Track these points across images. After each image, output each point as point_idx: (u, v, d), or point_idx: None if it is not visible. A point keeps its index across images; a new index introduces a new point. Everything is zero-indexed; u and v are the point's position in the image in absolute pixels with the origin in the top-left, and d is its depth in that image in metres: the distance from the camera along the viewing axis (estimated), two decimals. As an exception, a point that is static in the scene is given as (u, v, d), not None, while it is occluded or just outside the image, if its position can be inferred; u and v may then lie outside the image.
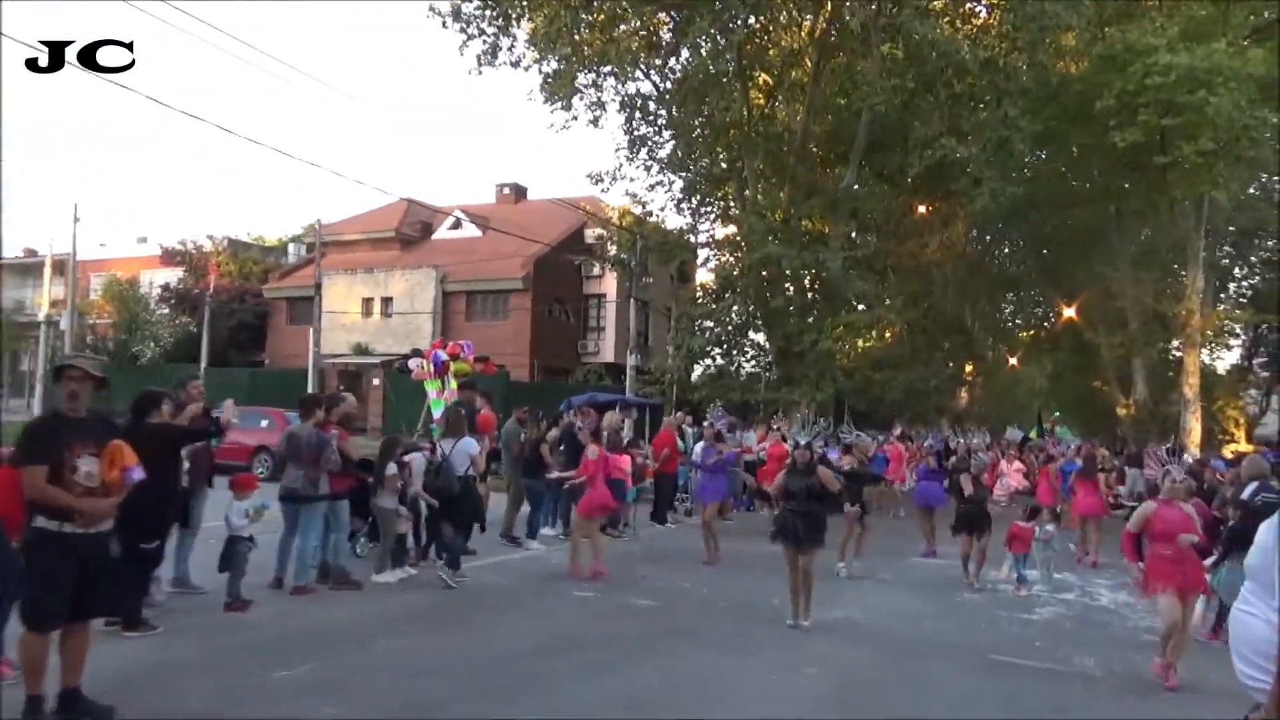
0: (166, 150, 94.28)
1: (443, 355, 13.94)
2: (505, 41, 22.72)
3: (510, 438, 11.90)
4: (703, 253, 28.08)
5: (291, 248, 45.45)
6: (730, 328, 25.35)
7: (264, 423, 18.90)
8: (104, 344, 35.43)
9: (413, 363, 13.44)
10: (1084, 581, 11.84)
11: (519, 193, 43.52)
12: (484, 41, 22.53)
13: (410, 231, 40.23)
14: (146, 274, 41.53)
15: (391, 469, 9.13)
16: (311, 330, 27.68)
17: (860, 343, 39.67)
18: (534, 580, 9.74)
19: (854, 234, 25.08)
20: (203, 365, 30.86)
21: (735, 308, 24.44)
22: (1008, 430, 27.19)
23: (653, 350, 35.60)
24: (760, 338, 26.13)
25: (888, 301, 26.62)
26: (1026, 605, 9.94)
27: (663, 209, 26.20)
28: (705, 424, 11.67)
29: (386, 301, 36.20)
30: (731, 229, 26.21)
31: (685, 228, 27.16)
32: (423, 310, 35.37)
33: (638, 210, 27.17)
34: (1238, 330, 38.05)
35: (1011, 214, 31.45)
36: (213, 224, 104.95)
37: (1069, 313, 35.53)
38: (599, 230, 29.60)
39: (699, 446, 11.84)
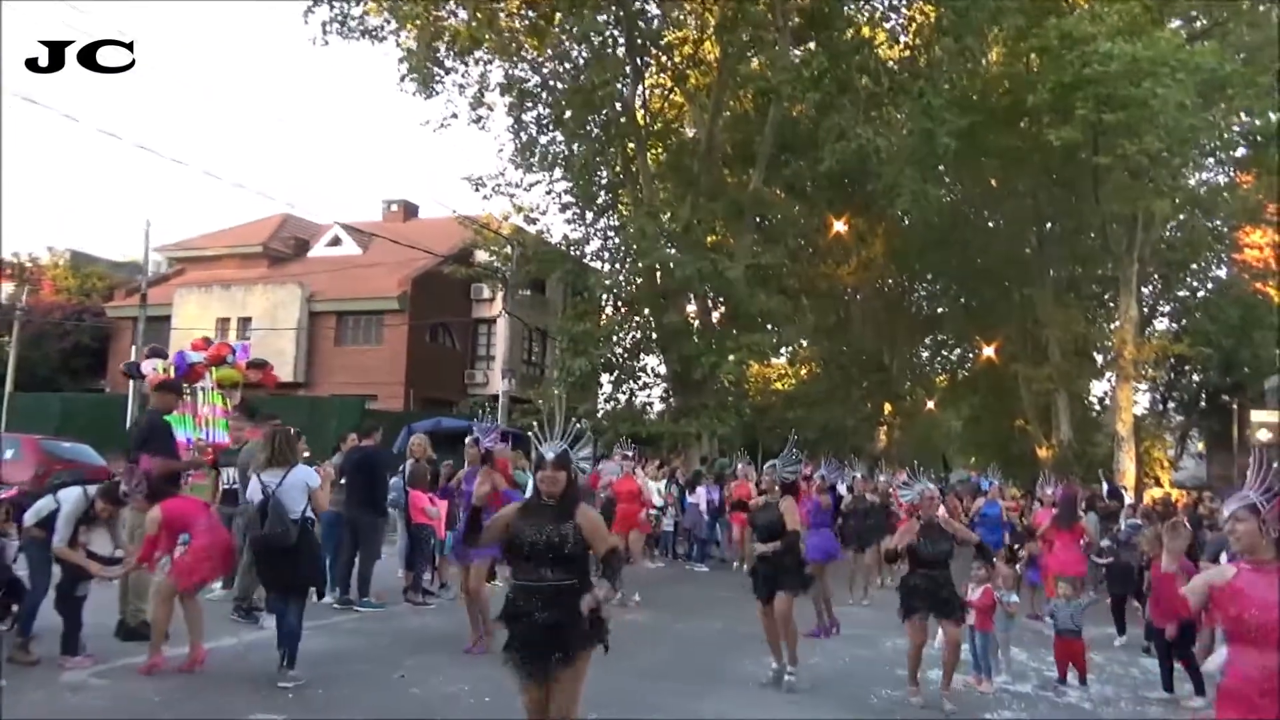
0: (46, 157, 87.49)
1: (193, 357, 10.33)
2: (356, 8, 19.40)
3: (249, 464, 8.29)
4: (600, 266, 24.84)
5: (151, 263, 40.81)
6: (621, 350, 22.16)
7: (8, 453, 14.84)
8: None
9: (146, 364, 9.76)
10: (1039, 661, 8.74)
11: (409, 210, 39.85)
12: (330, 6, 19.16)
13: (281, 247, 36.20)
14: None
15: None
16: (134, 349, 23.60)
17: (779, 384, 37.20)
18: (223, 685, 6.19)
19: (760, 249, 22.24)
20: (7, 389, 26.45)
21: (622, 326, 21.28)
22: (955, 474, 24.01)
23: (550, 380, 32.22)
24: (656, 361, 23.03)
25: (798, 328, 23.79)
26: (971, 710, 6.78)
27: (544, 212, 22.90)
28: (467, 440, 8.18)
29: (245, 322, 32.05)
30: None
31: (576, 239, 23.91)
32: (286, 331, 31.36)
33: (520, 221, 23.94)
34: (1149, 372, 36.76)
35: (933, 244, 29.37)
36: (72, 237, 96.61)
37: (988, 352, 33.61)
38: (493, 249, 26.17)
39: (463, 473, 8.33)
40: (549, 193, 22.75)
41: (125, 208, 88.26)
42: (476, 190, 22.74)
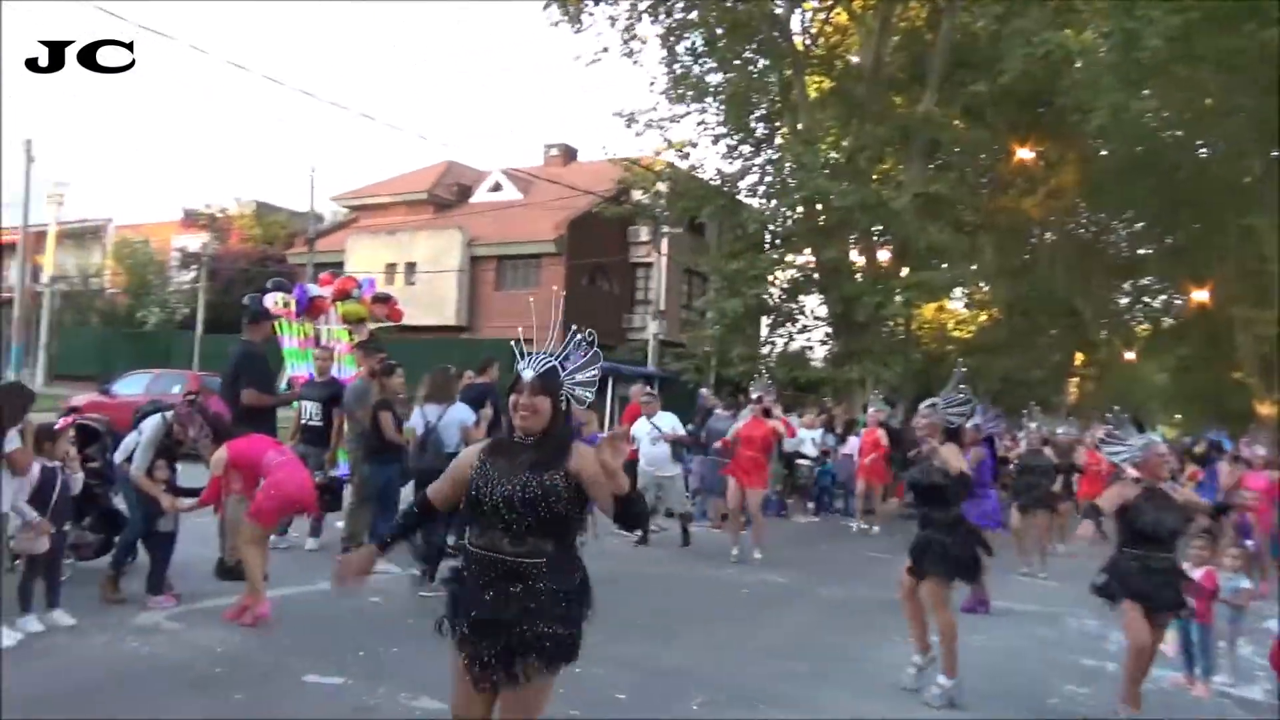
0: (208, 110, 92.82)
1: (313, 290, 10.11)
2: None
3: (356, 400, 7.82)
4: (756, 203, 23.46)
5: (328, 212, 42.60)
6: (778, 290, 20.91)
7: (176, 387, 15.52)
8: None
9: (268, 299, 9.54)
10: (1264, 655, 7.11)
11: (569, 154, 39.69)
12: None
13: (445, 194, 36.89)
14: (178, 239, 39.35)
15: (11, 441, 5.16)
16: (303, 292, 24.37)
17: (957, 332, 34.66)
18: (295, 637, 5.75)
19: (933, 179, 20.24)
20: (198, 332, 28.20)
21: (779, 264, 19.99)
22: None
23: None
24: (816, 302, 21.60)
25: (975, 266, 21.64)
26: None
27: (695, 145, 21.71)
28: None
29: (410, 267, 32.82)
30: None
31: (730, 173, 22.62)
32: (448, 275, 31.90)
33: (673, 156, 22.87)
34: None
35: (1134, 171, 26.08)
36: (258, 187, 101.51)
37: (1199, 295, 29.83)
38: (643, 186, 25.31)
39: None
40: (700, 124, 21.59)
41: (307, 159, 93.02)
42: (629, 126, 21.93)
